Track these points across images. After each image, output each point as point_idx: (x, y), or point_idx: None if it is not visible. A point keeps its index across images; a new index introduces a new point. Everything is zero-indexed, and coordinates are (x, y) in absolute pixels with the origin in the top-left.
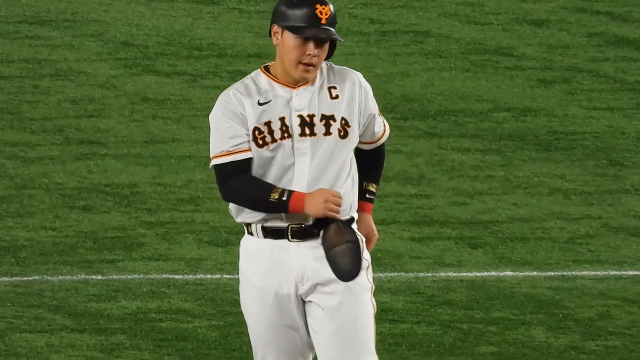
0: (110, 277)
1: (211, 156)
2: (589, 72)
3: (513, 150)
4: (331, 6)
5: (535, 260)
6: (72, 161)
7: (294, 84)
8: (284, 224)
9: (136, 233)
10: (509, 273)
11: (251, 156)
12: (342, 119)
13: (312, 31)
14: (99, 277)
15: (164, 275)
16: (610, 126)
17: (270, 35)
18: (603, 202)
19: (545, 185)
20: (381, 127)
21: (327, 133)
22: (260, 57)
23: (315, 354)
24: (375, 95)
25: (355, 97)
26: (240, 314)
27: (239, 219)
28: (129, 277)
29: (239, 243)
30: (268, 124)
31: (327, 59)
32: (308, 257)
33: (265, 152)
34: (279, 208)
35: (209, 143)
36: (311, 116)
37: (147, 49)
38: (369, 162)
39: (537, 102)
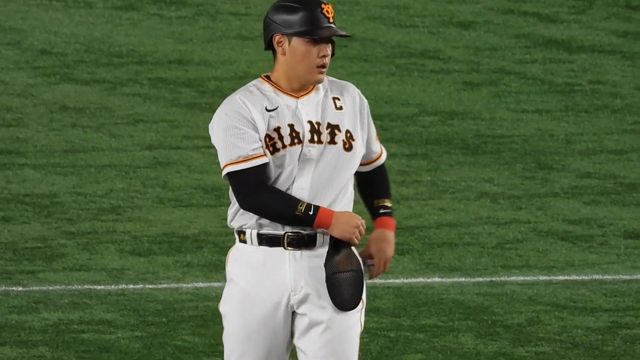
0: (31, 288)
1: (223, 164)
2: (517, 74)
3: (440, 154)
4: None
5: (464, 266)
6: None
7: (297, 93)
8: (280, 232)
9: (57, 243)
10: (436, 279)
11: (267, 161)
12: (347, 131)
13: (327, 31)
14: (20, 288)
15: (86, 286)
16: (538, 129)
17: (267, 49)
18: (532, 206)
19: (473, 189)
20: (378, 147)
21: (332, 142)
22: (182, 63)
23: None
24: None
25: (356, 111)
26: (163, 324)
27: (233, 224)
28: (50, 288)
29: (165, 251)
30: (277, 130)
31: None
32: (304, 266)
33: (275, 159)
34: (303, 222)
35: (131, 152)
36: (318, 124)
37: (66, 57)
38: (373, 181)
39: (464, 106)
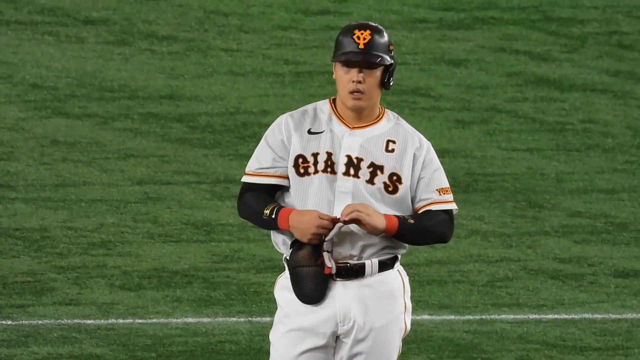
0: (21, 322)
1: (245, 171)
2: (508, 113)
3: None
4: (374, 32)
5: (453, 304)
6: None
7: (353, 123)
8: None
9: (47, 277)
10: (426, 317)
11: (274, 183)
12: (394, 174)
13: (347, 55)
14: (9, 322)
15: (75, 320)
16: (529, 167)
17: (333, 72)
18: (522, 244)
19: (464, 227)
20: (434, 195)
21: (371, 182)
22: (173, 98)
23: None
24: None
25: (410, 159)
26: (152, 359)
27: (282, 251)
28: (40, 322)
29: (155, 286)
30: (315, 155)
31: (385, 88)
32: (352, 297)
33: (304, 180)
34: (270, 225)
35: (122, 186)
36: (359, 159)
37: (57, 91)
38: (425, 215)
39: (455, 143)
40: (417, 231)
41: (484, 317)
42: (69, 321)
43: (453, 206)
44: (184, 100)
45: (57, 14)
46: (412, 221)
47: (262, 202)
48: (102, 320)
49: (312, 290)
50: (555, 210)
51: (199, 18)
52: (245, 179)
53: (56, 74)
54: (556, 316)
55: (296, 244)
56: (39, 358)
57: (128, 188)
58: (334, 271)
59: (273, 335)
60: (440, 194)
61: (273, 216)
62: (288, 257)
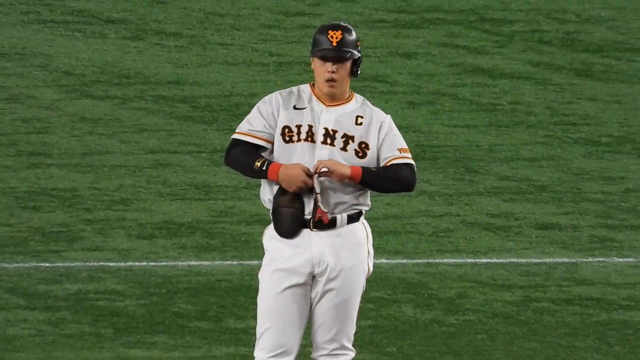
0: (56, 264)
1: (236, 130)
2: (450, 96)
3: None
4: (345, 32)
5: (405, 250)
6: (23, 169)
7: (328, 102)
8: (307, 217)
9: (77, 228)
10: (384, 260)
11: (259, 144)
12: (362, 142)
13: (323, 52)
14: (47, 264)
15: (100, 263)
16: (467, 140)
17: (311, 63)
18: (461, 202)
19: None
20: (395, 153)
21: (344, 149)
22: (178, 83)
23: (309, 335)
24: None
25: (374, 130)
26: (163, 294)
27: (265, 203)
28: (71, 264)
29: (164, 236)
30: (298, 126)
31: (354, 76)
32: (325, 244)
33: (288, 147)
34: (260, 174)
35: (137, 155)
36: (334, 131)
37: (84, 77)
38: (388, 168)
39: (407, 121)
40: (381, 178)
41: (430, 261)
42: (95, 264)
43: (412, 162)
44: (187, 85)
45: (84, 15)
46: (374, 169)
47: (252, 156)
48: (122, 263)
49: (289, 227)
50: (488, 175)
51: (199, 18)
52: (236, 136)
53: (83, 64)
54: (488, 260)
55: (279, 190)
56: (71, 293)
57: (142, 156)
58: (329, 216)
59: (261, 275)
60: (400, 152)
61: (264, 168)
62: (272, 201)
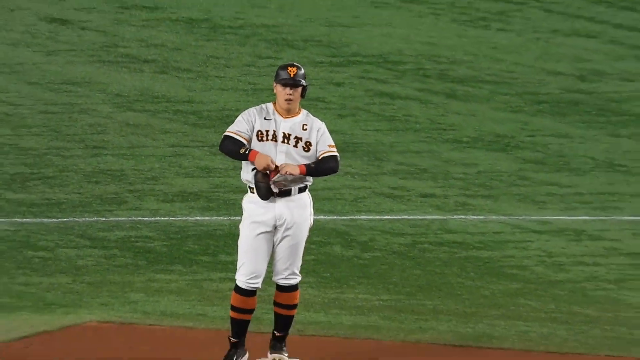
0: (110, 219)
1: (227, 130)
2: (365, 111)
3: None
4: (298, 69)
5: (335, 210)
6: (88, 157)
7: (285, 115)
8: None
9: (123, 196)
10: (321, 217)
11: (242, 141)
12: (307, 141)
13: (284, 81)
14: (103, 219)
15: (138, 218)
16: (376, 139)
17: (274, 88)
18: (372, 179)
19: (341, 170)
20: (326, 148)
21: (295, 146)
22: (190, 102)
23: (271, 265)
24: None
25: (315, 133)
26: (178, 239)
27: (244, 180)
28: (119, 219)
29: (180, 200)
30: (267, 131)
31: (302, 97)
32: (284, 206)
33: (260, 144)
34: (243, 157)
35: (162, 148)
36: (289, 135)
37: (129, 97)
38: (318, 160)
39: (337, 127)
40: (318, 169)
41: (352, 217)
42: (134, 218)
43: (337, 154)
44: (195, 103)
45: (129, 57)
46: (313, 165)
47: (238, 146)
48: (152, 218)
49: (264, 192)
50: (389, 162)
51: (204, 59)
52: (227, 133)
53: (128, 88)
54: (389, 217)
55: (256, 173)
56: (119, 238)
57: (166, 149)
58: (275, 190)
59: (241, 226)
60: (329, 147)
61: (247, 153)
62: (252, 181)
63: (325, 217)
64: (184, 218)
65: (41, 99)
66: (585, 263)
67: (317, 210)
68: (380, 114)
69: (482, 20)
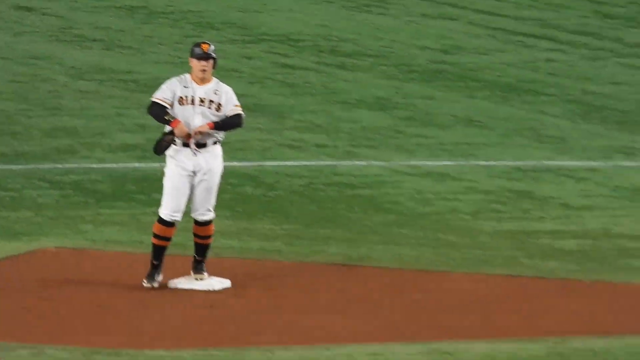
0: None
1: (152, 95)
2: (272, 80)
3: None
4: (211, 45)
5: (245, 158)
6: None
7: (200, 83)
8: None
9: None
10: (233, 163)
11: (165, 105)
12: (219, 104)
13: (199, 55)
14: (115, 166)
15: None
16: (276, 101)
17: (189, 62)
18: (275, 132)
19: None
20: (233, 108)
21: (209, 108)
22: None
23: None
24: None
25: (224, 96)
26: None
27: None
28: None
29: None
30: (186, 96)
31: (214, 68)
32: (201, 156)
33: (181, 107)
34: (167, 123)
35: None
36: (204, 99)
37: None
38: (227, 117)
39: (243, 92)
40: (224, 124)
41: (259, 163)
42: (85, 166)
43: (242, 112)
44: (136, 74)
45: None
46: (220, 122)
47: (163, 112)
48: (100, 165)
49: (162, 149)
50: (290, 119)
51: (141, 40)
52: (154, 99)
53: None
54: (292, 163)
55: (166, 133)
56: (72, 181)
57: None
58: (193, 147)
59: (167, 169)
60: (235, 107)
61: (171, 120)
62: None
63: (239, 164)
64: (125, 165)
65: (10, 71)
66: (448, 199)
67: (232, 158)
68: (283, 82)
69: (366, 6)
